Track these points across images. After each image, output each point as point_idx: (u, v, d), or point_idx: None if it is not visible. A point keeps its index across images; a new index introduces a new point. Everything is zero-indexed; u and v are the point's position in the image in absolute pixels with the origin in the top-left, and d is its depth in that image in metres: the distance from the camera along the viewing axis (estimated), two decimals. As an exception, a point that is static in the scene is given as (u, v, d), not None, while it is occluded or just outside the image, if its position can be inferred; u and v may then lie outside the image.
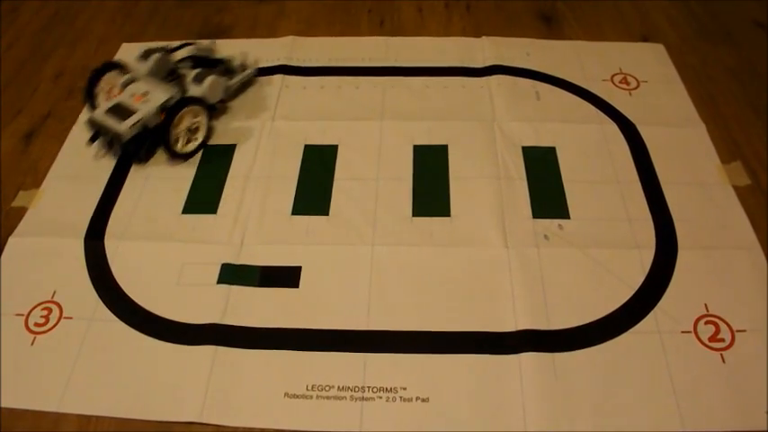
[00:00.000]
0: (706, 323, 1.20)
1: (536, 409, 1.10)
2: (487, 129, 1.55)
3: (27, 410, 1.13)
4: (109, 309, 1.26)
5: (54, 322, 1.24)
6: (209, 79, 1.54)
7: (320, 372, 1.15)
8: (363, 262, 1.31)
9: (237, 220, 1.39)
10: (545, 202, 1.39)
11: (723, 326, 1.19)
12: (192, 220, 1.39)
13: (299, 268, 1.30)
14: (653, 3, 1.94)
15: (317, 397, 1.12)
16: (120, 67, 1.60)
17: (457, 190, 1.42)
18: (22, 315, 1.25)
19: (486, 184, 1.43)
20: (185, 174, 1.48)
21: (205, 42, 1.69)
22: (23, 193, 1.46)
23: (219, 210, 1.41)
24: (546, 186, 1.42)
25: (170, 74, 1.58)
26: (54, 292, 1.28)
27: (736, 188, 1.41)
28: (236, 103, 1.64)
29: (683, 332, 1.19)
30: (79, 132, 1.59)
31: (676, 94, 1.64)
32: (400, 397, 1.12)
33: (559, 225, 1.35)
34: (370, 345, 1.18)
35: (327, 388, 1.13)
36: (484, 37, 1.81)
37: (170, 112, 1.48)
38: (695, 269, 1.28)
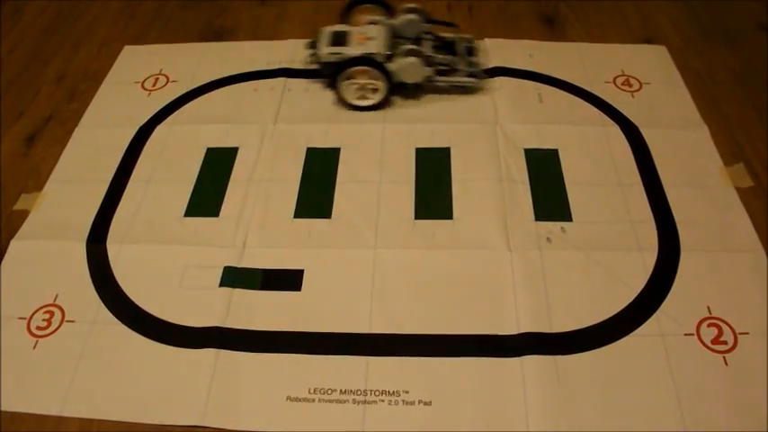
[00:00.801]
0: (709, 326, 1.20)
1: (538, 412, 1.09)
2: (490, 131, 1.55)
3: (29, 414, 1.13)
4: (111, 312, 1.26)
5: (56, 326, 1.24)
6: (408, 60, 1.57)
7: (322, 375, 1.15)
8: (366, 265, 1.31)
9: (240, 223, 1.39)
10: (547, 205, 1.39)
11: (726, 328, 1.19)
12: (195, 224, 1.39)
13: (302, 271, 1.30)
14: (655, 4, 1.94)
15: (320, 400, 1.12)
16: (383, 5, 1.70)
17: (459, 192, 1.42)
18: (24, 318, 1.25)
19: (489, 186, 1.43)
20: (187, 177, 1.48)
21: (468, 36, 1.73)
22: (25, 196, 1.46)
23: (221, 213, 1.41)
24: (548, 189, 1.42)
25: (415, 39, 1.65)
26: (56, 296, 1.28)
27: (738, 190, 1.41)
28: (238, 107, 1.65)
29: (685, 335, 1.18)
30: (81, 135, 1.59)
31: (679, 96, 1.64)
32: (403, 400, 1.11)
33: (562, 227, 1.35)
34: (372, 348, 1.18)
35: (330, 391, 1.13)
36: (486, 39, 1.81)
37: (344, 62, 1.57)
38: (698, 271, 1.28)
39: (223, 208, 1.42)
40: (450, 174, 1.46)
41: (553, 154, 1.49)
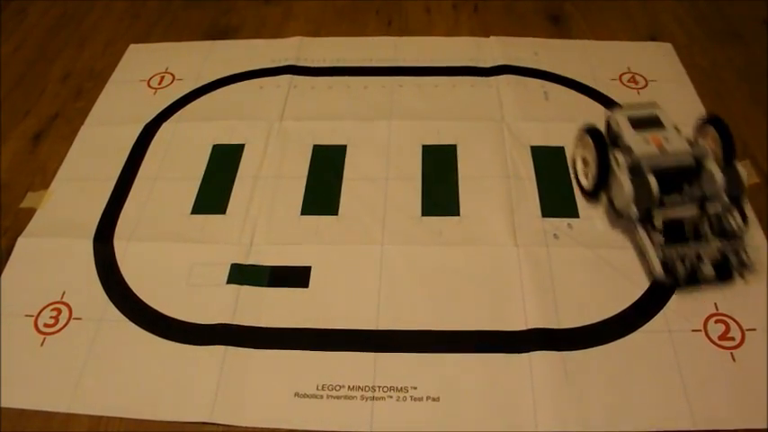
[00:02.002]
0: (716, 322, 1.19)
1: (546, 407, 1.10)
2: (496, 128, 1.55)
3: (37, 411, 1.13)
4: (118, 309, 1.26)
5: (63, 323, 1.24)
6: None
7: (330, 371, 1.15)
8: (373, 261, 1.31)
9: (246, 220, 1.39)
10: (554, 202, 1.39)
11: (733, 325, 1.19)
12: (201, 221, 1.39)
13: (309, 268, 1.30)
14: (661, 2, 1.94)
15: (327, 397, 1.12)
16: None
17: (466, 189, 1.42)
18: (32, 316, 1.25)
19: (496, 183, 1.43)
20: (194, 174, 1.48)
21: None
22: (32, 194, 1.46)
23: (228, 210, 1.41)
24: (555, 186, 1.43)
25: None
26: (63, 293, 1.28)
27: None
28: (244, 105, 1.65)
29: (693, 331, 1.18)
30: (87, 133, 1.59)
31: (685, 94, 1.64)
32: (411, 396, 1.11)
33: (569, 224, 1.35)
34: (380, 344, 1.18)
35: (337, 387, 1.13)
36: (492, 37, 1.81)
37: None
38: (705, 268, 1.27)
39: (230, 205, 1.42)
40: (457, 171, 1.46)
41: (560, 151, 1.49)
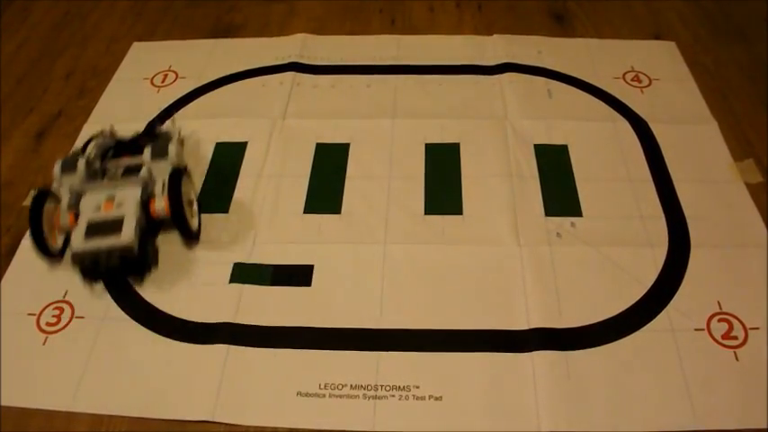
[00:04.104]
0: (719, 321, 1.19)
1: (549, 407, 1.10)
2: (499, 127, 1.55)
3: (39, 410, 1.13)
4: (121, 308, 1.26)
5: (66, 322, 1.24)
6: (172, 147, 1.38)
7: (333, 370, 1.15)
8: (376, 260, 1.31)
9: (249, 219, 1.39)
10: (557, 200, 1.39)
11: (736, 323, 1.19)
12: (204, 220, 1.39)
13: (312, 267, 1.30)
14: (665, 1, 1.94)
15: (330, 396, 1.12)
16: (51, 195, 1.33)
17: (469, 188, 1.42)
18: (34, 315, 1.26)
19: (499, 182, 1.43)
20: (196, 172, 1.48)
21: (103, 130, 1.50)
22: (35, 193, 1.46)
23: (231, 209, 1.41)
24: (558, 184, 1.42)
25: (102, 162, 1.41)
26: (66, 292, 1.29)
27: (748, 186, 1.41)
28: (247, 102, 1.64)
29: (696, 330, 1.18)
30: (91, 132, 1.58)
31: (688, 92, 1.64)
32: (413, 395, 1.12)
33: (572, 223, 1.35)
34: (382, 343, 1.19)
35: (340, 386, 1.13)
36: (495, 35, 1.81)
37: (173, 190, 1.30)
38: (708, 267, 1.28)
39: (232, 204, 1.42)
40: (460, 169, 1.46)
41: (563, 149, 1.49)
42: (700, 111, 1.58)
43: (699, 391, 1.11)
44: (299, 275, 1.29)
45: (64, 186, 1.34)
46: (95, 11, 2.03)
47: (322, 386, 1.13)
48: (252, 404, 1.12)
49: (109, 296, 1.28)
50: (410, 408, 1.11)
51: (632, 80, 1.67)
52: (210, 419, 1.10)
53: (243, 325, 1.22)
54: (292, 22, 1.92)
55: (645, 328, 1.19)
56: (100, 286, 1.29)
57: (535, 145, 1.51)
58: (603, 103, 1.60)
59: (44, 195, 1.30)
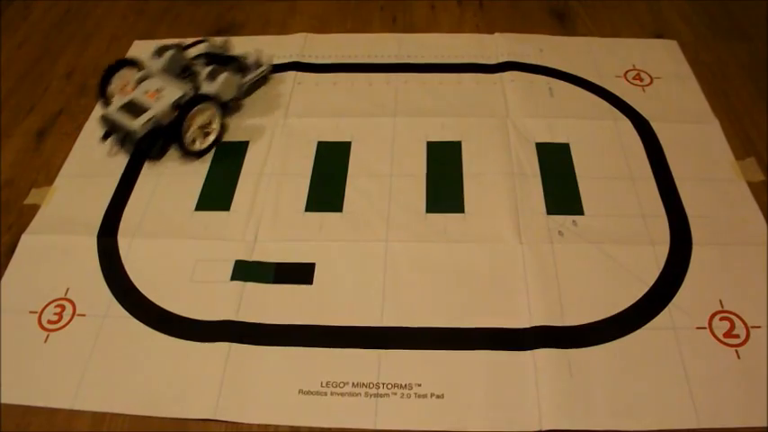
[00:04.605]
0: (721, 319, 1.19)
1: (550, 405, 1.10)
2: (501, 125, 1.55)
3: (41, 408, 1.13)
4: (122, 306, 1.26)
5: (67, 319, 1.24)
6: (223, 77, 1.53)
7: (334, 368, 1.15)
8: (377, 258, 1.31)
9: (251, 216, 1.39)
10: (559, 198, 1.39)
11: (738, 322, 1.19)
12: (206, 217, 1.39)
13: (313, 265, 1.30)
14: (667, 0, 1.93)
15: (332, 393, 1.12)
16: (135, 64, 1.61)
17: (470, 186, 1.42)
18: (36, 312, 1.25)
19: (500, 180, 1.43)
20: (198, 171, 1.49)
21: (219, 40, 1.69)
22: (36, 191, 1.46)
23: (233, 207, 1.41)
24: (560, 182, 1.42)
25: (184, 71, 1.59)
26: (67, 290, 1.29)
27: (750, 184, 1.41)
28: (248, 101, 1.64)
29: (697, 328, 1.18)
30: (92, 130, 1.59)
31: (690, 91, 1.64)
32: (415, 393, 1.11)
33: (573, 221, 1.35)
34: (384, 341, 1.19)
35: (342, 384, 1.13)
36: (497, 33, 1.81)
37: (183, 109, 1.47)
38: (710, 265, 1.28)
39: (234, 202, 1.42)
40: (462, 167, 1.46)
41: (564, 148, 1.49)
42: (701, 109, 1.58)
43: (700, 389, 1.11)
44: (300, 273, 1.29)
45: (147, 64, 1.58)
46: (96, 9, 2.03)
47: (324, 384, 1.13)
48: (253, 402, 1.12)
49: (111, 294, 1.28)
50: (412, 406, 1.10)
51: (634, 79, 1.67)
52: (212, 418, 1.10)
53: (245, 323, 1.22)
54: (293, 21, 1.92)
55: (646, 326, 1.19)
56: (101, 281, 1.29)
57: (537, 143, 1.51)
58: (605, 102, 1.60)
59: (132, 62, 1.61)
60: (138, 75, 1.56)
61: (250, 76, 1.64)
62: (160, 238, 1.36)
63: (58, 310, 1.25)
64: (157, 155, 1.53)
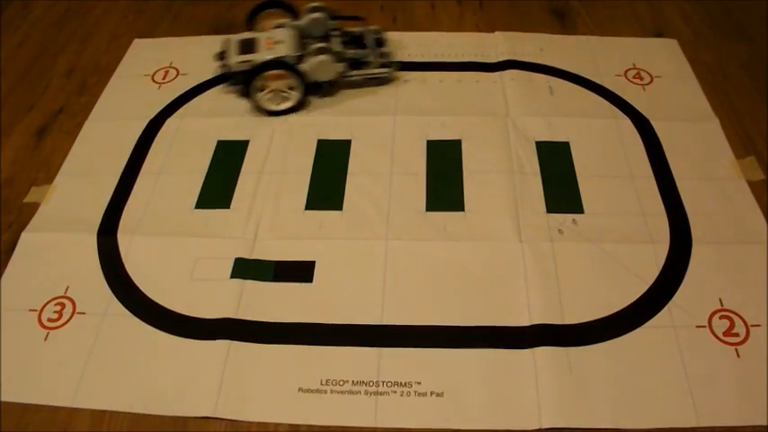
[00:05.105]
0: (720, 318, 1.20)
1: (550, 403, 1.10)
2: (501, 124, 1.55)
3: (41, 406, 1.13)
4: (122, 304, 1.26)
5: (67, 317, 1.24)
6: (319, 59, 1.56)
7: (334, 366, 1.15)
8: (377, 256, 1.31)
9: (251, 214, 1.39)
10: (559, 197, 1.39)
11: (737, 320, 1.19)
12: (206, 215, 1.39)
13: (313, 263, 1.30)
14: (666, -1, 1.94)
15: (331, 392, 1.12)
16: (287, 8, 1.70)
17: (470, 185, 1.42)
18: (35, 310, 1.25)
19: (500, 178, 1.43)
20: (198, 169, 1.49)
21: (374, 27, 1.72)
22: (36, 189, 1.46)
23: (233, 204, 1.41)
24: (560, 181, 1.42)
25: (323, 37, 1.65)
26: (67, 288, 1.29)
27: (749, 183, 1.41)
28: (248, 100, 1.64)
29: (697, 327, 1.19)
30: (92, 128, 1.59)
31: (690, 90, 1.64)
32: (415, 391, 1.12)
33: (573, 220, 1.35)
34: (384, 339, 1.18)
35: (341, 383, 1.13)
36: (497, 32, 1.81)
37: (256, 68, 1.55)
38: (709, 264, 1.28)
39: (234, 200, 1.42)
40: (462, 166, 1.46)
41: (564, 146, 1.50)
42: (701, 108, 1.58)
43: (700, 387, 1.11)
44: (300, 271, 1.29)
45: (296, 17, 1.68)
46: (96, 8, 2.03)
47: (323, 382, 1.13)
48: (253, 400, 1.12)
49: (110, 292, 1.28)
50: (411, 404, 1.10)
51: (634, 77, 1.67)
52: (212, 415, 1.10)
53: (244, 321, 1.22)
54: (294, 19, 1.92)
55: (646, 324, 1.19)
56: (101, 279, 1.30)
57: (536, 142, 1.51)
58: (605, 101, 1.60)
59: (280, 5, 1.72)
60: (279, 21, 1.67)
61: (361, 72, 1.65)
62: (160, 235, 1.36)
63: (58, 308, 1.25)
64: (246, 93, 1.60)
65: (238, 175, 1.47)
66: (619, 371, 1.13)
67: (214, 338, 1.20)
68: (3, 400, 1.14)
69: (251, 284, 1.27)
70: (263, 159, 1.50)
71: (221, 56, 1.62)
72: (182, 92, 1.69)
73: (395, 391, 1.12)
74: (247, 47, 1.60)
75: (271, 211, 1.40)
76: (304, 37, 1.63)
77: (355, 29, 1.69)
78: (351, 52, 1.64)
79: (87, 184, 1.47)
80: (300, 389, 1.13)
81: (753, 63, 1.71)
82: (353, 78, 1.64)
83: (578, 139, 1.51)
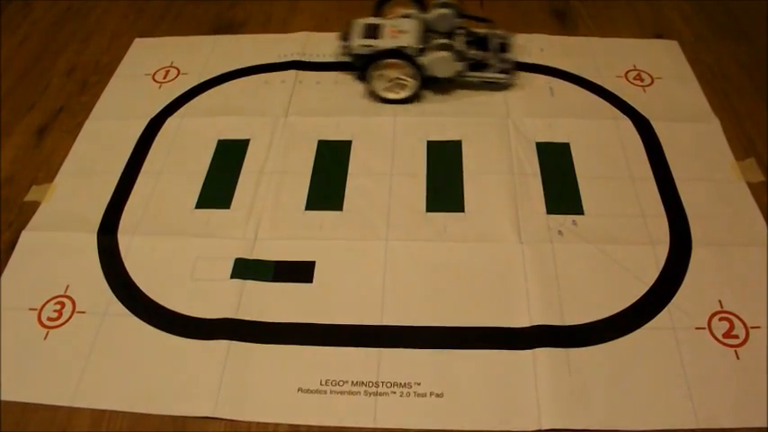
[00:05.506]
0: (720, 319, 1.20)
1: (550, 404, 1.10)
2: (501, 125, 1.55)
3: (40, 405, 1.13)
4: (122, 303, 1.26)
5: (67, 317, 1.24)
6: (441, 55, 1.56)
7: (334, 367, 1.15)
8: (377, 257, 1.31)
9: (251, 214, 1.39)
10: (559, 198, 1.39)
11: (737, 322, 1.19)
12: (206, 215, 1.39)
13: (313, 263, 1.30)
14: (667, 0, 1.93)
15: (331, 392, 1.12)
16: (417, 0, 1.69)
17: (471, 185, 1.42)
18: (35, 309, 1.25)
19: (500, 179, 1.43)
20: (198, 168, 1.48)
21: (501, 32, 1.71)
22: (36, 188, 1.46)
23: (233, 204, 1.41)
24: (560, 182, 1.42)
25: (447, 34, 1.63)
26: (67, 287, 1.29)
27: (749, 185, 1.41)
28: (249, 100, 1.64)
29: (697, 328, 1.19)
30: (92, 127, 1.60)
31: (690, 91, 1.63)
32: (414, 392, 1.12)
33: (573, 221, 1.35)
34: (384, 340, 1.18)
35: (341, 383, 1.13)
36: (498, 32, 1.81)
37: (373, 55, 1.57)
38: (709, 265, 1.28)
39: (234, 200, 1.42)
40: (462, 167, 1.46)
41: (565, 147, 1.49)
42: (702, 109, 1.58)
43: (699, 389, 1.11)
44: (300, 272, 1.29)
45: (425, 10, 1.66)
46: (97, 7, 2.03)
47: (323, 382, 1.13)
48: (253, 400, 1.12)
49: (110, 291, 1.28)
50: (411, 404, 1.10)
51: (634, 79, 1.67)
52: (212, 415, 1.10)
53: (244, 321, 1.22)
54: (294, 19, 1.92)
55: (646, 326, 1.19)
56: (101, 279, 1.30)
57: (537, 143, 1.51)
58: (605, 102, 1.60)
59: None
60: (406, 12, 1.67)
61: (480, 74, 1.63)
62: (160, 235, 1.36)
63: (58, 307, 1.25)
64: (363, 78, 1.62)
65: (239, 174, 1.47)
66: (618, 372, 1.13)
67: (214, 338, 1.20)
68: (3, 399, 1.14)
69: (251, 284, 1.27)
70: (264, 159, 1.50)
71: (344, 36, 1.63)
72: (182, 91, 1.69)
73: (394, 392, 1.12)
74: (371, 32, 1.61)
75: (271, 211, 1.39)
76: (428, 31, 1.63)
77: (481, 30, 1.68)
78: (472, 53, 1.63)
79: (88, 183, 1.47)
80: (300, 389, 1.13)
81: (753, 64, 1.71)
82: (470, 79, 1.63)
83: (579, 140, 1.51)
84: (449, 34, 1.62)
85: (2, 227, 1.40)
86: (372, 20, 1.64)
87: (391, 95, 1.61)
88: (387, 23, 1.62)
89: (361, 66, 1.59)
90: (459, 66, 1.58)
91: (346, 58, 1.65)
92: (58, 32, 1.94)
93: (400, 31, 1.58)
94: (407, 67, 1.56)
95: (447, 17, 1.62)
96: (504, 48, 1.67)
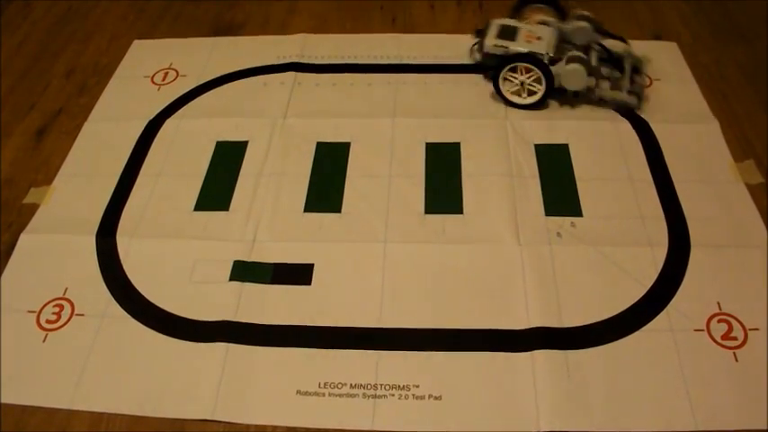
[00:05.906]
0: (719, 321, 1.19)
1: (548, 406, 1.10)
2: (500, 126, 1.55)
3: (39, 407, 1.13)
4: (121, 306, 1.26)
5: (66, 319, 1.24)
6: (573, 67, 1.54)
7: (332, 369, 1.15)
8: (376, 259, 1.31)
9: (250, 217, 1.39)
10: (557, 200, 1.39)
11: (736, 324, 1.19)
12: (204, 217, 1.39)
13: (312, 265, 1.30)
14: (666, 2, 1.93)
15: (329, 395, 1.12)
16: (557, 8, 1.69)
17: (469, 187, 1.42)
18: (34, 312, 1.25)
19: (499, 181, 1.43)
20: (197, 171, 1.49)
21: (636, 56, 1.67)
22: (35, 190, 1.46)
23: (231, 207, 1.41)
24: (558, 184, 1.43)
25: (583, 47, 1.62)
26: (66, 289, 1.29)
27: (748, 186, 1.41)
28: (248, 101, 1.65)
29: (695, 330, 1.18)
30: (91, 129, 1.60)
31: (689, 93, 1.63)
32: (413, 395, 1.12)
33: (572, 222, 1.35)
34: (382, 342, 1.18)
35: (339, 385, 1.13)
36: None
37: (505, 58, 1.58)
38: (708, 267, 1.28)
39: (233, 202, 1.42)
40: (460, 169, 1.46)
41: (563, 149, 1.50)
42: (700, 111, 1.58)
43: (698, 391, 1.11)
44: (299, 274, 1.29)
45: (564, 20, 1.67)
46: (97, 8, 2.03)
47: (321, 385, 1.13)
48: (251, 403, 1.12)
49: (109, 294, 1.28)
50: (409, 407, 1.10)
51: (634, 80, 1.67)
52: (210, 418, 1.10)
53: (243, 323, 1.22)
54: (293, 21, 1.92)
55: (644, 328, 1.19)
56: (100, 281, 1.30)
57: (535, 144, 1.51)
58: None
59: (552, 3, 1.70)
60: (543, 18, 1.68)
61: (608, 92, 1.60)
62: (159, 238, 1.36)
63: (57, 309, 1.25)
64: (492, 78, 1.61)
65: (237, 176, 1.47)
66: (617, 374, 1.13)
67: (212, 341, 1.19)
68: (2, 401, 1.14)
69: (250, 287, 1.27)
70: (263, 161, 1.50)
71: (479, 33, 1.66)
72: (181, 93, 1.69)
73: (393, 395, 1.12)
74: (507, 33, 1.62)
75: (270, 213, 1.39)
76: (564, 41, 1.63)
77: (617, 49, 1.65)
78: (605, 70, 1.61)
79: (86, 185, 1.47)
80: (298, 391, 1.13)
81: (752, 66, 1.71)
82: (599, 96, 1.61)
83: (577, 141, 1.51)
84: (584, 48, 1.61)
85: (1, 229, 1.40)
86: (510, 22, 1.65)
87: (518, 99, 1.60)
88: (524, 27, 1.63)
89: (491, 66, 1.60)
90: (590, 81, 1.57)
91: (476, 57, 1.70)
92: (57, 34, 1.94)
93: (537, 37, 1.59)
94: (538, 74, 1.55)
95: (585, 30, 1.62)
96: (636, 70, 1.65)
